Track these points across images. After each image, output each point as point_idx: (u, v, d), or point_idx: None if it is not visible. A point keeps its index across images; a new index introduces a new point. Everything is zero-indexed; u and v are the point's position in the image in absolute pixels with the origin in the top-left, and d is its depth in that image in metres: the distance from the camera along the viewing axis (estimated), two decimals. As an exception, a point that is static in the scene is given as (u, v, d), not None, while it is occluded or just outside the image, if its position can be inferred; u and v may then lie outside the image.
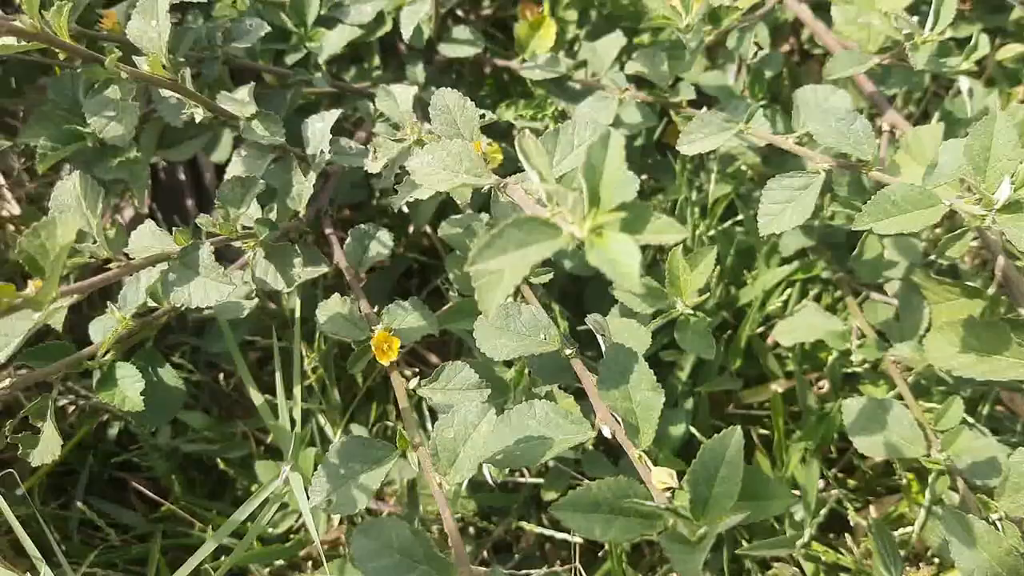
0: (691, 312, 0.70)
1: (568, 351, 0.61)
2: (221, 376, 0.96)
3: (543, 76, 0.92)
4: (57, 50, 0.52)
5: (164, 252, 0.58)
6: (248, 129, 0.65)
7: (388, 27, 0.94)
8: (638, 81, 0.92)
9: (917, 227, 0.59)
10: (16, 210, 1.13)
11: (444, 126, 0.63)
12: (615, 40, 0.91)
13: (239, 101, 0.67)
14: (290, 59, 0.89)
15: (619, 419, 0.52)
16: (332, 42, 0.86)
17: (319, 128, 0.73)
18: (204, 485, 0.93)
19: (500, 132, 0.98)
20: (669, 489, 0.48)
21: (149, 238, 0.59)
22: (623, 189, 0.42)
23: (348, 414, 0.84)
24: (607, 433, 0.54)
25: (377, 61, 0.99)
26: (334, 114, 0.74)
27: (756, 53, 0.84)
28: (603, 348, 0.57)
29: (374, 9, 0.91)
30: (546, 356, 0.63)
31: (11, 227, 1.12)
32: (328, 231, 0.77)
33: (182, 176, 1.05)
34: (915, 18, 0.74)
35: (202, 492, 0.92)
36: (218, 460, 0.90)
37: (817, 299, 0.94)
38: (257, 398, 0.74)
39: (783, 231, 0.69)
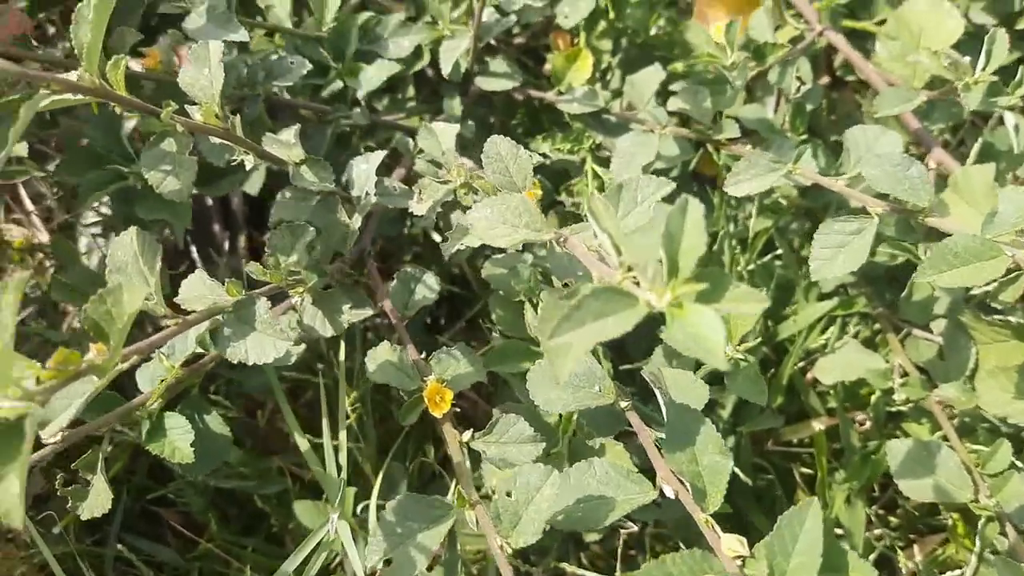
0: (741, 357, 0.69)
1: (623, 403, 0.60)
2: (256, 409, 0.95)
3: (581, 110, 0.91)
4: (113, 103, 0.52)
5: (217, 305, 0.57)
6: (297, 175, 0.64)
7: (426, 61, 0.93)
8: (678, 115, 0.91)
9: (980, 280, 0.58)
10: (45, 237, 1.13)
11: (497, 174, 0.62)
12: (654, 74, 0.90)
13: (286, 144, 0.67)
14: (327, 91, 0.88)
15: (684, 481, 0.52)
16: (371, 78, 0.86)
17: (364, 170, 0.73)
18: (239, 520, 0.92)
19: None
20: (739, 557, 0.47)
21: (200, 287, 0.59)
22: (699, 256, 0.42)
23: (389, 455, 0.83)
24: (669, 493, 0.53)
25: (411, 91, 0.98)
26: (379, 155, 0.73)
27: (799, 88, 0.83)
28: (661, 403, 0.57)
29: (412, 43, 0.91)
30: (599, 407, 0.62)
31: (40, 255, 1.12)
32: (371, 271, 0.76)
33: (209, 201, 1.05)
34: (966, 58, 0.73)
35: (236, 527, 0.91)
36: (254, 496, 0.89)
37: (856, 334, 0.93)
38: (303, 444, 0.74)
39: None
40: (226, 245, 0.99)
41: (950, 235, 0.62)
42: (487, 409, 0.92)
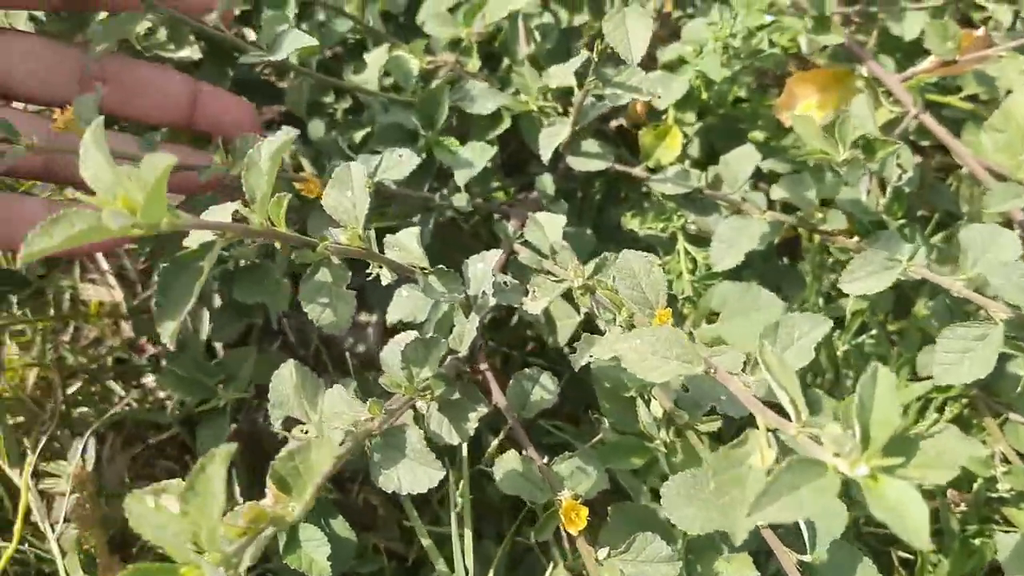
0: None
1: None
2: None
3: (675, 191, 0.91)
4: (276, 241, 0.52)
5: (361, 427, 0.57)
6: (428, 288, 0.65)
7: (506, 124, 0.93)
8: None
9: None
10: (119, 295, 1.14)
11: (630, 290, 0.63)
12: (748, 155, 0.90)
13: (411, 251, 0.67)
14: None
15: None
16: (467, 159, 0.86)
17: (480, 269, 0.73)
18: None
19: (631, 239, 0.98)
20: None
21: (341, 404, 0.59)
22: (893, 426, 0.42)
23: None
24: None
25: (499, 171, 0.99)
26: (495, 254, 0.74)
27: (900, 176, 0.83)
28: (804, 532, 0.57)
29: (495, 104, 0.91)
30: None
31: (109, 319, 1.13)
32: (483, 367, 0.76)
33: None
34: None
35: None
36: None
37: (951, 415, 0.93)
38: (435, 556, 0.74)
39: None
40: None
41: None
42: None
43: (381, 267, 0.64)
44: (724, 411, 0.65)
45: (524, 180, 1.02)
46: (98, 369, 1.14)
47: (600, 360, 0.78)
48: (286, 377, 0.53)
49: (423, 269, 0.67)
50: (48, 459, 0.94)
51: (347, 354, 0.96)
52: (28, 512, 0.85)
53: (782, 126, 1.03)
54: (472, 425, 0.67)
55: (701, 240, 0.97)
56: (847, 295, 0.93)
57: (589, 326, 0.87)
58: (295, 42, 0.71)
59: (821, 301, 0.96)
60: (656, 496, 0.66)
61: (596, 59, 0.76)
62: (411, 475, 0.55)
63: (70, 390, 1.11)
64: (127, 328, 1.23)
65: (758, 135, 1.06)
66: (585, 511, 0.62)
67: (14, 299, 1.05)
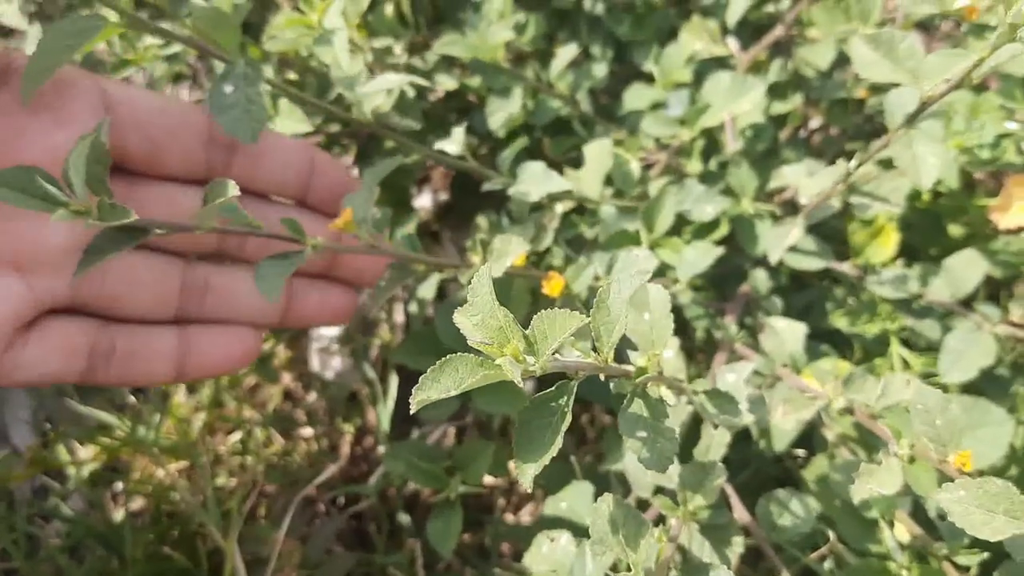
0: None
1: None
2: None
3: (893, 295, 0.89)
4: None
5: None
6: (705, 411, 0.64)
7: (724, 231, 0.93)
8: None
9: None
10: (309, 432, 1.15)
11: (924, 425, 0.60)
12: (974, 261, 0.88)
13: (669, 363, 0.66)
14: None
15: None
16: (693, 262, 0.85)
17: (732, 380, 0.72)
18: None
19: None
20: None
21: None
22: None
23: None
24: None
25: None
26: (747, 366, 0.72)
27: None
28: None
29: (715, 210, 0.90)
30: None
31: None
32: (726, 489, 0.75)
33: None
34: None
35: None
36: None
37: None
38: None
39: None
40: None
41: None
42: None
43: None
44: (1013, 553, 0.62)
45: (723, 273, 1.01)
46: (265, 418, 1.16)
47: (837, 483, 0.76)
48: (603, 512, 0.52)
49: (697, 392, 0.66)
50: (246, 521, 0.94)
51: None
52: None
53: (992, 226, 1.00)
54: (737, 551, 0.65)
55: (912, 344, 0.94)
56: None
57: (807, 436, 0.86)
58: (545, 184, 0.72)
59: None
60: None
61: (853, 172, 0.74)
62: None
63: (232, 439, 1.13)
64: (287, 377, 1.24)
65: (958, 230, 1.03)
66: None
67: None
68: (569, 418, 0.46)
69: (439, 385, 0.42)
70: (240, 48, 0.65)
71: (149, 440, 0.93)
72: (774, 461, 0.91)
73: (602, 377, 0.53)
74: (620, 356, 0.58)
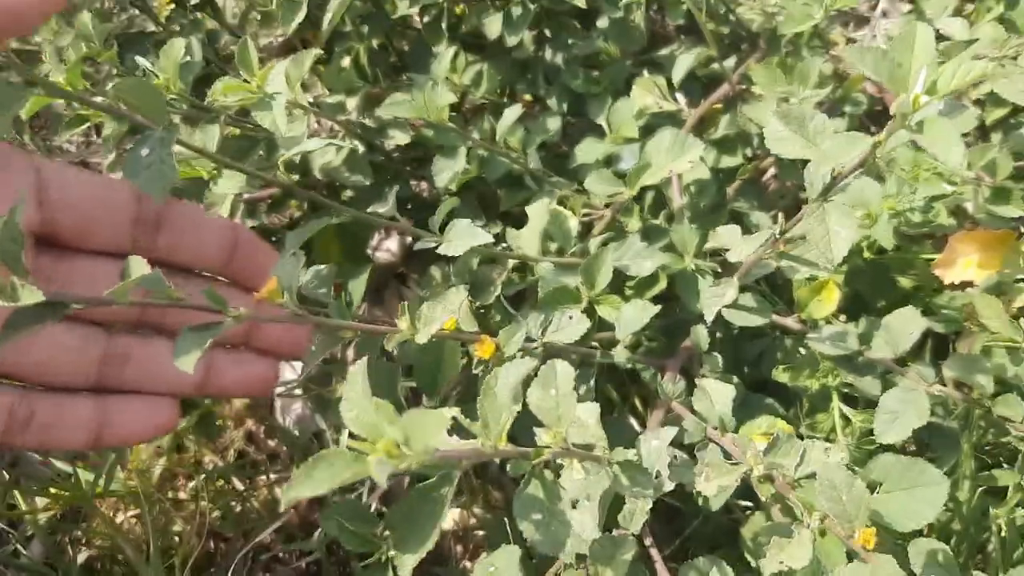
0: None
1: None
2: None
3: (833, 352, 0.90)
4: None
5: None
6: (618, 483, 0.65)
7: (662, 286, 0.94)
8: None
9: None
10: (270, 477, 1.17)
11: (830, 502, 0.61)
12: (913, 319, 0.88)
13: (590, 430, 0.67)
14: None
15: None
16: (630, 320, 0.86)
17: (655, 446, 0.73)
18: None
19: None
20: None
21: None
22: None
23: None
24: None
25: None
26: (670, 432, 0.73)
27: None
28: None
29: (653, 266, 0.91)
30: None
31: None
32: (648, 543, 0.75)
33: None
34: None
35: None
36: None
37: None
38: None
39: None
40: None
41: None
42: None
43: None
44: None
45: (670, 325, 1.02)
46: (225, 466, 1.17)
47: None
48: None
49: (607, 459, 0.67)
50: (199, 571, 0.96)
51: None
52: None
53: (937, 280, 1.01)
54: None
55: (855, 399, 0.95)
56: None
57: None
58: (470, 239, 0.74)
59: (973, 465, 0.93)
60: None
61: (779, 237, 0.76)
62: None
63: (191, 484, 1.14)
64: (250, 422, 1.26)
65: (906, 283, 1.04)
66: None
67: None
68: (448, 509, 0.47)
69: (312, 482, 0.43)
70: (164, 114, 0.66)
71: (100, 491, 0.94)
72: (724, 511, 0.92)
73: (497, 461, 0.54)
74: (526, 435, 0.60)
